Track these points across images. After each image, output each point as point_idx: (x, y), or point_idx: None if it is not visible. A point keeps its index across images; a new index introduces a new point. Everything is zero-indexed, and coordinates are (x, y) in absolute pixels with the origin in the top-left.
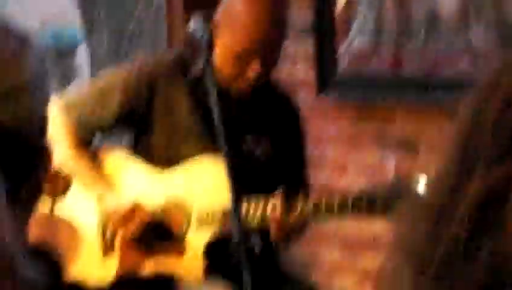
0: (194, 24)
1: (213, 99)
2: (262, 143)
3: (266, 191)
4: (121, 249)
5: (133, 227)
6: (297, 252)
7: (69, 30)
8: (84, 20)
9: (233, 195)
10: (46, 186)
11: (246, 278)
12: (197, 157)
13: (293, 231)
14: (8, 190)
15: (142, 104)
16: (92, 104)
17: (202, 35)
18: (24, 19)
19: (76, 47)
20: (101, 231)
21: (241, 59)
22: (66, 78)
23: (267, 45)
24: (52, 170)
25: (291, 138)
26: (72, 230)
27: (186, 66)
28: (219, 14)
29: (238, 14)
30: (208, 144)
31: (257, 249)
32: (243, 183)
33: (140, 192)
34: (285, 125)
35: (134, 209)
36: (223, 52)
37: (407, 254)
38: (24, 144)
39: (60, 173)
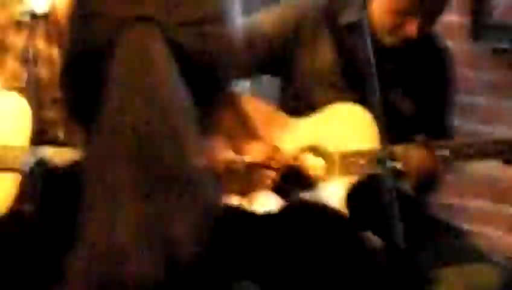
0: None
1: (368, 50)
2: (408, 99)
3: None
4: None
5: (272, 174)
6: (445, 200)
7: None
8: None
9: (382, 141)
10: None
11: (396, 226)
12: (338, 104)
13: (432, 179)
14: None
15: (288, 49)
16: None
17: None
18: None
19: None
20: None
21: (399, 16)
22: None
23: (428, 6)
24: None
25: (439, 95)
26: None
27: (334, 14)
28: None
29: None
30: (349, 94)
31: (406, 197)
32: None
33: (279, 138)
34: (435, 83)
35: (274, 154)
36: (381, 5)
37: None
38: (207, 71)
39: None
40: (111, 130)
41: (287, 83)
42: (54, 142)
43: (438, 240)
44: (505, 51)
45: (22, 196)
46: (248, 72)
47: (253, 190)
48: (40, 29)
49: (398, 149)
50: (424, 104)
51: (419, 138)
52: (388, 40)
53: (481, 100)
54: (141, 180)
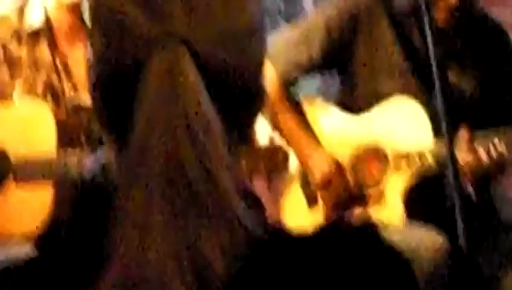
0: None
1: (429, 38)
2: (467, 75)
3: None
4: (324, 204)
5: (334, 192)
6: None
7: None
8: None
9: (448, 134)
10: (265, 159)
11: (460, 223)
12: (395, 98)
13: (489, 173)
14: (225, 130)
15: (346, 41)
16: (297, 45)
17: None
18: None
19: None
20: (304, 183)
21: None
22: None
23: None
24: (269, 144)
25: (500, 72)
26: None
27: (389, 1)
28: None
29: None
30: (412, 80)
31: (472, 195)
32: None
33: (337, 138)
34: (494, 59)
35: (334, 173)
36: None
37: None
38: (239, 84)
39: (277, 147)
40: (140, 150)
41: (347, 75)
42: (78, 149)
43: (501, 239)
44: None
45: (57, 206)
46: (308, 68)
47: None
48: (42, 40)
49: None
50: (487, 83)
51: (464, 127)
52: (436, 16)
53: None
54: (171, 202)
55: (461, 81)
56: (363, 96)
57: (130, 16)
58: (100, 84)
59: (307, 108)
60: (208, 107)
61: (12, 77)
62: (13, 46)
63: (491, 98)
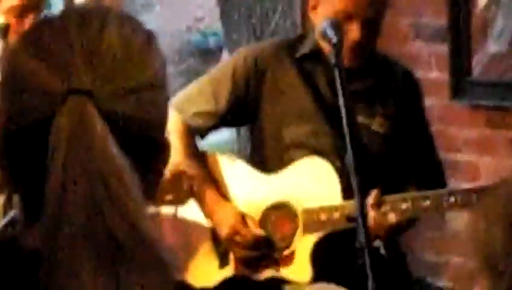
0: (325, 25)
1: (340, 84)
2: (378, 115)
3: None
4: (235, 262)
5: (242, 245)
6: (427, 255)
7: (214, 31)
8: (224, 22)
9: (358, 193)
10: (170, 188)
11: (371, 283)
12: (305, 158)
13: (394, 229)
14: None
15: (252, 90)
16: (205, 96)
17: (333, 37)
18: (172, 21)
19: (221, 48)
20: (214, 243)
21: (342, 19)
22: None
23: (364, 7)
24: (175, 171)
25: (411, 113)
26: (198, 232)
27: (293, 48)
28: None
29: None
30: (321, 123)
31: (382, 251)
32: (363, 176)
33: (246, 195)
34: (404, 99)
35: (241, 226)
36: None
37: (483, 255)
38: (145, 136)
39: (183, 173)
40: (57, 207)
41: (256, 130)
42: None
43: None
44: (484, 107)
45: None
46: (216, 122)
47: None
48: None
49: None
50: (398, 122)
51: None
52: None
53: (461, 157)
54: (97, 251)
55: (372, 121)
56: (272, 145)
57: (34, 72)
58: (7, 139)
59: (214, 160)
60: (118, 158)
61: None
62: None
63: (403, 137)
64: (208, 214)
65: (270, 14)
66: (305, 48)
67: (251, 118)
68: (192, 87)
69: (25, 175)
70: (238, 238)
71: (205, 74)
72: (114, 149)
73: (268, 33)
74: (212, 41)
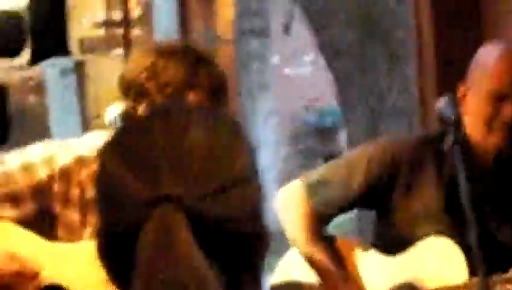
0: (443, 103)
1: (462, 178)
2: (506, 225)
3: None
4: None
5: None
6: None
7: (330, 110)
8: (341, 100)
9: (482, 275)
10: None
11: None
12: (430, 238)
13: None
14: (227, 282)
15: (385, 183)
16: (336, 182)
17: (452, 115)
18: (288, 100)
19: (338, 126)
20: None
21: (493, 100)
22: (331, 157)
23: None
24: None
25: None
26: None
27: (435, 145)
28: (470, 75)
29: (492, 63)
30: (450, 224)
31: None
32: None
33: (371, 280)
34: None
35: None
36: (474, 111)
37: None
38: (238, 231)
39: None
40: None
41: (383, 217)
42: None
43: None
44: None
45: None
46: (345, 207)
47: None
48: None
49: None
50: None
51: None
52: (485, 151)
53: None
54: None
55: (499, 229)
56: (399, 238)
57: (122, 180)
58: (105, 244)
59: (342, 245)
60: (201, 267)
61: (83, 219)
62: (90, 188)
63: None
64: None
65: (386, 93)
66: (446, 145)
67: (380, 207)
68: (327, 170)
69: (121, 277)
70: None
71: (338, 158)
72: (197, 257)
73: (386, 112)
74: (328, 121)
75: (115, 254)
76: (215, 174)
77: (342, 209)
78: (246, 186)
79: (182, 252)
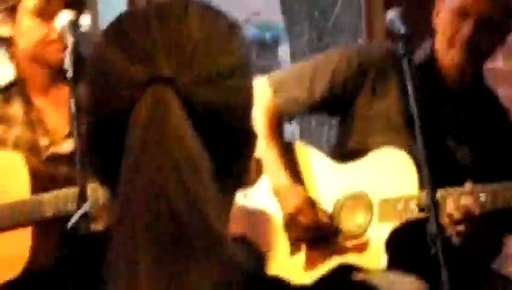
0: (391, 17)
1: (411, 88)
2: (464, 146)
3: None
4: (306, 249)
5: (303, 226)
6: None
7: (272, 24)
8: (286, 14)
9: (430, 185)
10: None
11: (443, 271)
12: (385, 149)
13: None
14: (216, 169)
15: (349, 90)
16: (304, 83)
17: (400, 30)
18: (230, 12)
19: (279, 41)
20: (285, 230)
21: (457, 16)
22: (269, 70)
23: (485, 11)
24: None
25: (498, 145)
26: (268, 222)
27: (399, 59)
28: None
29: None
30: (407, 136)
31: (454, 241)
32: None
33: (321, 185)
34: (494, 129)
35: (308, 205)
36: (441, 27)
37: None
38: (229, 124)
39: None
40: (128, 189)
41: (344, 124)
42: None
43: (486, 288)
44: None
45: (36, 253)
46: (308, 108)
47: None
48: (14, 97)
49: (441, 193)
50: (482, 153)
51: (468, 182)
52: (453, 75)
53: None
54: (158, 238)
55: (457, 148)
56: (355, 147)
57: (116, 62)
58: (89, 133)
59: (296, 149)
60: (194, 146)
61: None
62: None
63: (483, 171)
64: (276, 192)
65: (330, 7)
66: (416, 59)
67: (342, 113)
68: (293, 70)
69: (110, 164)
70: (301, 218)
71: (308, 60)
72: (189, 136)
73: (330, 26)
74: (268, 35)
75: (101, 144)
76: (211, 61)
77: (304, 111)
78: (240, 79)
79: (174, 129)
